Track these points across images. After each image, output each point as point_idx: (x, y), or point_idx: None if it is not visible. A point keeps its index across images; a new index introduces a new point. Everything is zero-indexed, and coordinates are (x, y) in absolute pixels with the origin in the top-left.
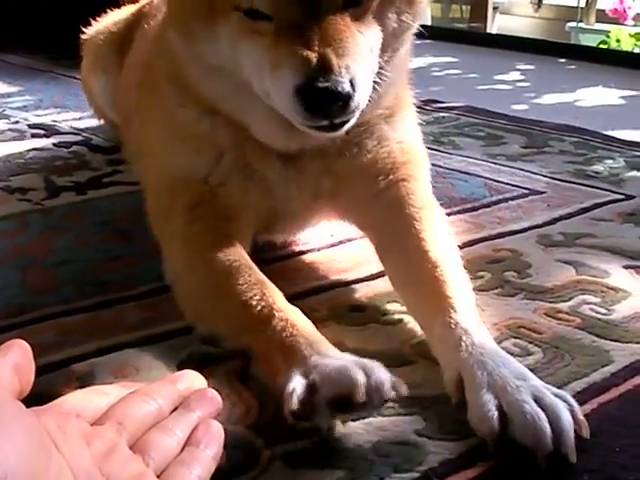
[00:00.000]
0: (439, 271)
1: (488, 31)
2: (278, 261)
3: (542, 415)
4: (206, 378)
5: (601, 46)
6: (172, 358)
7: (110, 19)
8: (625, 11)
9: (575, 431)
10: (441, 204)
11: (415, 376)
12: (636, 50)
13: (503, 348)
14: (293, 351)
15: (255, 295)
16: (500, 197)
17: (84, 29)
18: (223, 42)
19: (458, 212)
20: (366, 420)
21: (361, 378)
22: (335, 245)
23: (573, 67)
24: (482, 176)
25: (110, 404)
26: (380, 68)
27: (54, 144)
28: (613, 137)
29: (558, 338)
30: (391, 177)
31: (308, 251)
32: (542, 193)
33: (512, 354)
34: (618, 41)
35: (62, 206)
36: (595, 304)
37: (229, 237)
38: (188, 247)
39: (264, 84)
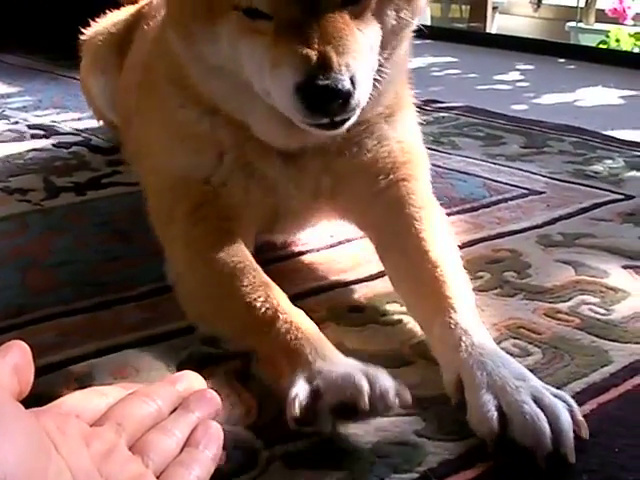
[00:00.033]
0: (439, 271)
1: (488, 31)
2: (277, 262)
3: (541, 415)
4: (206, 379)
5: (601, 46)
6: (171, 359)
7: (109, 20)
8: (624, 11)
9: (574, 431)
10: (440, 204)
11: (414, 376)
12: (635, 50)
13: (502, 348)
14: (297, 355)
15: (259, 297)
16: (499, 197)
17: (83, 30)
18: (223, 42)
19: (457, 212)
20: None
21: (365, 386)
22: (334, 246)
23: (573, 67)
24: (481, 176)
25: (109, 405)
26: (380, 66)
27: (54, 145)
28: (612, 137)
29: (557, 338)
30: (391, 177)
31: (307, 252)
32: (541, 193)
33: (511, 354)
34: (618, 41)
35: (61, 207)
36: (594, 304)
37: (232, 237)
38: (191, 248)
39: (264, 83)
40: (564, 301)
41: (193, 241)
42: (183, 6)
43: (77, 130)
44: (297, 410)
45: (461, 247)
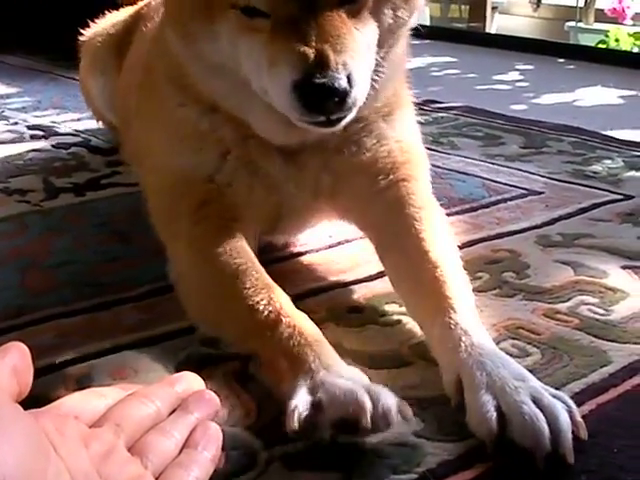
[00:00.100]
0: (439, 271)
1: (487, 31)
2: (276, 262)
3: (540, 416)
4: (204, 380)
5: (600, 46)
6: (170, 360)
7: (108, 21)
8: (624, 10)
9: (573, 432)
10: (440, 204)
11: (413, 377)
12: (635, 50)
13: (502, 349)
14: (300, 361)
15: (262, 300)
16: (499, 197)
17: (82, 31)
18: (222, 40)
19: (456, 213)
20: None
21: (368, 404)
22: (333, 246)
23: (572, 67)
24: (480, 176)
25: (108, 406)
26: (377, 64)
27: (53, 145)
28: (612, 137)
29: (556, 339)
30: (391, 177)
31: (306, 252)
32: (540, 193)
33: (511, 355)
34: (617, 41)
35: (61, 207)
36: (593, 305)
37: (235, 237)
38: (193, 247)
39: (262, 81)
40: (563, 301)
41: (195, 240)
42: (182, 5)
43: (76, 131)
44: (296, 424)
45: (460, 247)
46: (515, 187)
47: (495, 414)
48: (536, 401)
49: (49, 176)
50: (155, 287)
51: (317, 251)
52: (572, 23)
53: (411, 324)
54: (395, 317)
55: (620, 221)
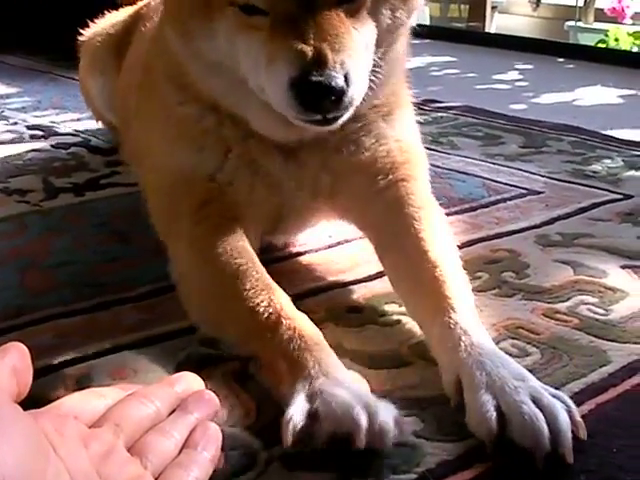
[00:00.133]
0: (438, 271)
1: (486, 30)
2: (276, 262)
3: (540, 416)
4: (204, 380)
5: (599, 45)
6: (170, 360)
7: (108, 21)
8: (623, 10)
9: (572, 432)
10: (440, 204)
11: (413, 377)
12: (634, 49)
13: (501, 349)
14: (299, 366)
15: (262, 301)
16: (498, 197)
17: (82, 31)
18: (220, 38)
19: (456, 212)
20: None
21: (364, 423)
22: (333, 246)
23: (572, 66)
24: (480, 176)
25: (108, 406)
26: (374, 64)
27: (53, 145)
28: (611, 136)
29: (556, 338)
30: (390, 177)
31: (306, 252)
32: (540, 193)
33: (510, 355)
34: (616, 40)
35: (60, 207)
36: (593, 304)
37: (236, 237)
38: (194, 247)
39: (259, 79)
40: (562, 301)
41: (197, 240)
42: (181, 3)
43: (76, 131)
44: (290, 438)
45: (460, 247)
46: (515, 187)
47: (495, 414)
48: (536, 401)
49: (49, 176)
50: (155, 287)
51: (316, 251)
52: (572, 22)
53: (411, 324)
54: (394, 317)
55: (620, 221)
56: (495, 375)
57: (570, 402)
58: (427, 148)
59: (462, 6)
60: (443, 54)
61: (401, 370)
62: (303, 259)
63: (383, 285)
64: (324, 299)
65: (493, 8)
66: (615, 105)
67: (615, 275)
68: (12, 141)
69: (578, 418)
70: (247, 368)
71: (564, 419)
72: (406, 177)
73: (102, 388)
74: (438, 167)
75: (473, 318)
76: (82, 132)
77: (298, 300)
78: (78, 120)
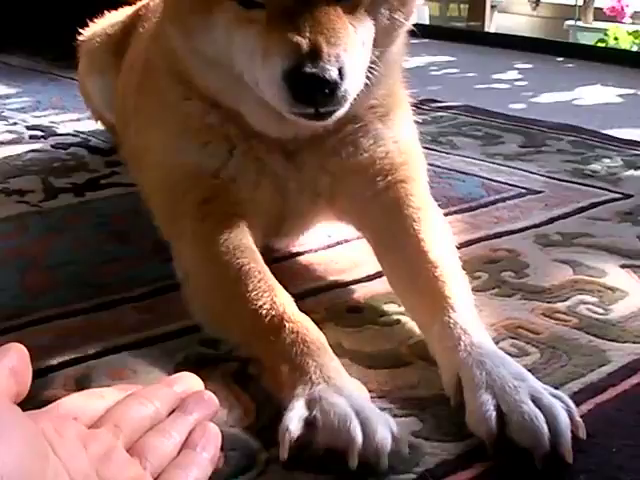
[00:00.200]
0: (438, 271)
1: (486, 30)
2: (275, 262)
3: (540, 416)
4: (203, 380)
5: (599, 44)
6: (169, 360)
7: (107, 21)
8: (623, 9)
9: (572, 432)
10: (439, 204)
11: (412, 377)
12: (634, 48)
13: (500, 348)
14: (301, 371)
15: (265, 304)
16: (498, 197)
17: (81, 31)
18: (218, 32)
19: (455, 212)
20: None
21: (359, 439)
22: (332, 246)
23: (571, 66)
24: (480, 176)
25: (107, 407)
26: (371, 64)
27: (52, 146)
28: (611, 136)
29: (555, 338)
30: (389, 178)
31: (305, 252)
32: (540, 193)
33: (509, 354)
34: (616, 39)
35: (60, 208)
36: (592, 304)
37: (239, 235)
38: (198, 244)
39: (254, 72)
40: (562, 301)
41: (200, 237)
42: None
43: (76, 131)
44: (287, 448)
45: (459, 247)
46: (514, 186)
47: (494, 413)
48: (535, 401)
49: (48, 176)
50: (155, 287)
51: (316, 251)
52: (571, 22)
53: (410, 324)
54: (394, 317)
55: (619, 220)
56: (495, 375)
57: (570, 402)
58: (426, 148)
59: (462, 5)
60: (442, 53)
61: (401, 370)
62: (303, 259)
63: (383, 285)
64: (324, 299)
65: (493, 7)
66: (615, 104)
67: (614, 275)
68: (12, 141)
69: (578, 418)
70: (247, 369)
71: (564, 419)
72: (405, 178)
73: (102, 389)
74: (437, 167)
75: (473, 318)
76: (82, 132)
77: (298, 300)
78: (78, 120)
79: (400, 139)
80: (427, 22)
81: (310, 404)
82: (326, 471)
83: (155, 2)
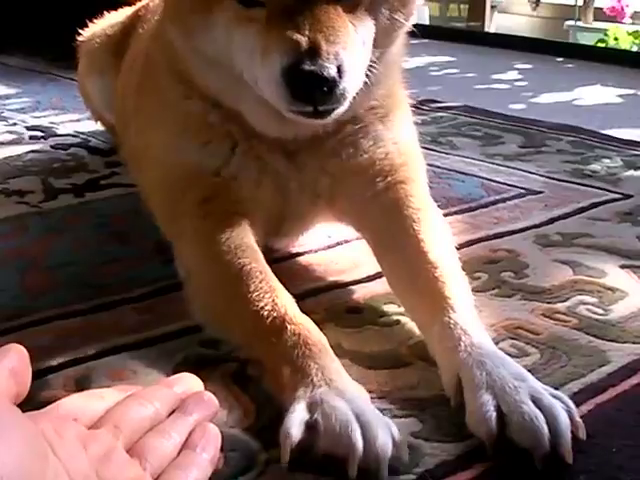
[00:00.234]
0: (438, 272)
1: (486, 30)
2: (275, 263)
3: (540, 416)
4: (203, 381)
5: (599, 45)
6: (169, 361)
7: (107, 21)
8: (623, 9)
9: (572, 432)
10: (438, 205)
11: (412, 377)
12: (634, 48)
13: (500, 349)
14: (302, 374)
15: (266, 305)
16: (497, 197)
17: (81, 31)
18: (218, 31)
19: (455, 212)
20: None
21: (359, 447)
22: (332, 247)
23: (571, 66)
24: (479, 176)
25: (107, 408)
26: (371, 64)
27: (52, 146)
28: (610, 136)
29: (555, 339)
30: (389, 179)
31: (305, 253)
32: (539, 193)
33: (509, 355)
34: (616, 39)
35: (60, 208)
36: (592, 304)
37: (241, 234)
38: (199, 243)
39: (254, 70)
40: (562, 301)
41: (201, 236)
42: None
43: (75, 132)
44: (288, 453)
45: (459, 247)
46: (514, 187)
47: (494, 414)
48: (535, 401)
49: (48, 177)
50: (154, 288)
51: (316, 251)
52: (571, 22)
53: (410, 324)
54: (394, 317)
55: (619, 220)
56: (495, 375)
57: (570, 402)
58: (426, 148)
59: (462, 6)
60: (442, 54)
61: (401, 370)
62: (302, 259)
63: (383, 286)
64: (324, 299)
65: (492, 8)
66: (614, 105)
67: (614, 275)
68: (11, 142)
69: (578, 418)
70: (246, 369)
71: (564, 419)
72: (404, 179)
73: (101, 389)
74: (437, 167)
75: (473, 318)
76: (81, 133)
77: (298, 301)
78: (77, 121)
79: (400, 140)
80: (427, 22)
81: (311, 407)
82: (326, 473)
83: (155, 3)
